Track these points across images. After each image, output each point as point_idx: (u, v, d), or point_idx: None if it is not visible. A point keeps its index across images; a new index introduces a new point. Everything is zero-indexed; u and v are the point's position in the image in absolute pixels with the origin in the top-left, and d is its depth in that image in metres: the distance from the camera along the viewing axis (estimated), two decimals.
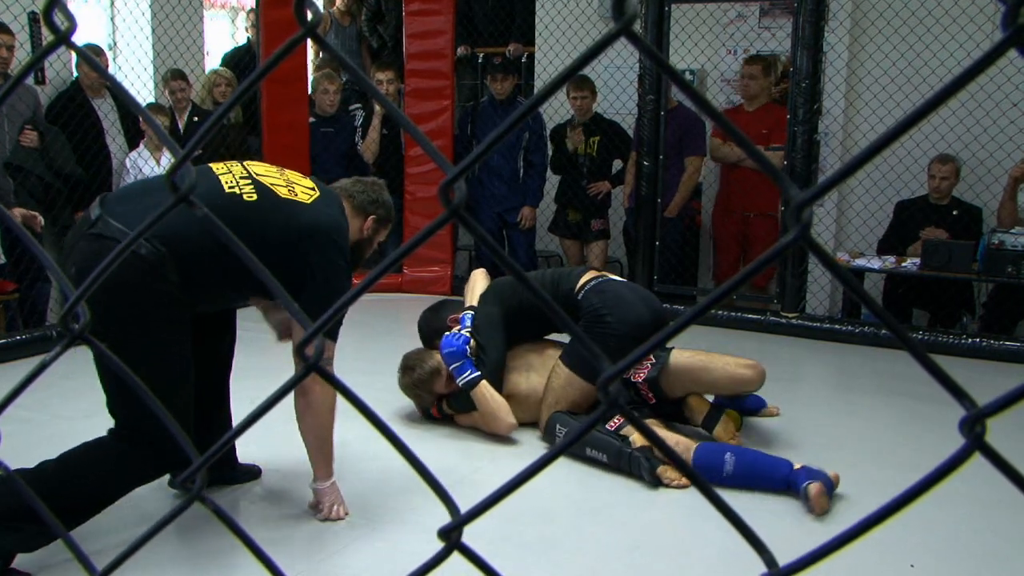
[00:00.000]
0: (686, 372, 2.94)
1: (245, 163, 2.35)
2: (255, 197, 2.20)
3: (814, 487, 2.50)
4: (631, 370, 2.80)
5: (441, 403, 3.15)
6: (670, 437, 2.79)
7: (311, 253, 2.21)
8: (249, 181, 2.24)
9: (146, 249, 2.05)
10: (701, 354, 2.98)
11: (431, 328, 3.29)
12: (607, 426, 2.80)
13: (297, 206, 2.24)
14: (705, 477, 2.52)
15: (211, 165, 2.30)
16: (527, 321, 3.13)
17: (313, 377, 2.23)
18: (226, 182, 2.21)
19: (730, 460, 2.65)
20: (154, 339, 2.12)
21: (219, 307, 2.39)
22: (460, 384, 2.98)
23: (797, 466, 2.62)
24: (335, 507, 2.39)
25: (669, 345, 3.05)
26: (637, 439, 2.74)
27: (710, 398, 3.07)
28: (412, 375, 3.14)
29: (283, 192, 2.26)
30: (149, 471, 2.16)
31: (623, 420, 2.83)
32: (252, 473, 2.70)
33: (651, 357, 2.98)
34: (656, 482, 2.63)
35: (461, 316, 3.18)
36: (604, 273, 3.21)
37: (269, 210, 2.20)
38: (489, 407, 2.98)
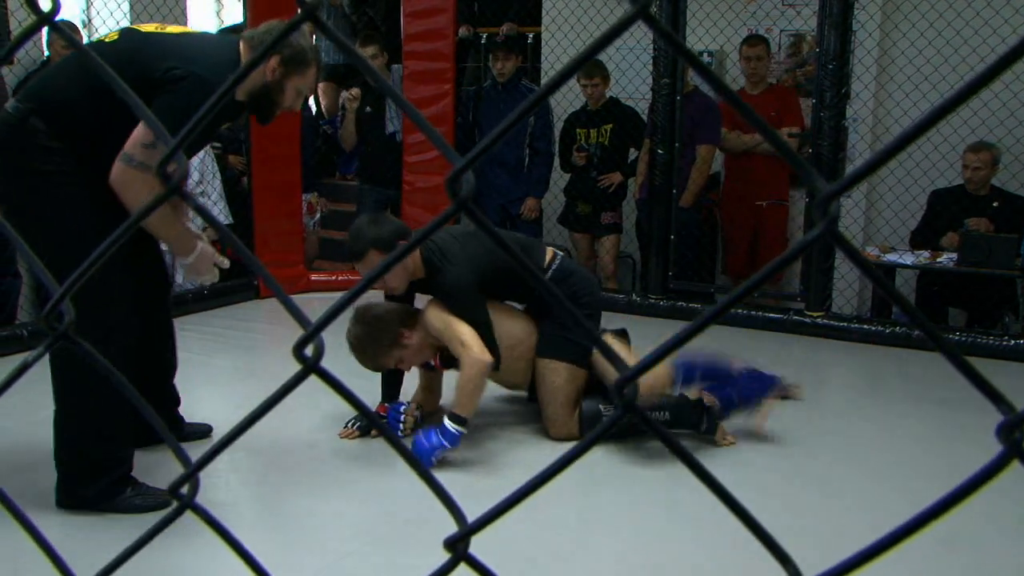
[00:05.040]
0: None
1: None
2: (115, 36, 2.38)
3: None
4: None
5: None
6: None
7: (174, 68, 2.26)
8: (118, 30, 2.44)
9: (12, 106, 2.22)
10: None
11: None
12: None
13: (164, 38, 2.35)
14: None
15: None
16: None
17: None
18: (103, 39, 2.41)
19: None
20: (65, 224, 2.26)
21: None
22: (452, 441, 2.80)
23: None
24: (205, 277, 2.58)
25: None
26: (692, 394, 3.04)
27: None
28: (373, 319, 3.07)
29: (149, 28, 2.41)
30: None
31: None
32: (202, 431, 2.93)
33: None
34: (713, 432, 3.03)
35: (389, 410, 2.93)
36: (555, 250, 3.30)
37: (127, 47, 2.33)
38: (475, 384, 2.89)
